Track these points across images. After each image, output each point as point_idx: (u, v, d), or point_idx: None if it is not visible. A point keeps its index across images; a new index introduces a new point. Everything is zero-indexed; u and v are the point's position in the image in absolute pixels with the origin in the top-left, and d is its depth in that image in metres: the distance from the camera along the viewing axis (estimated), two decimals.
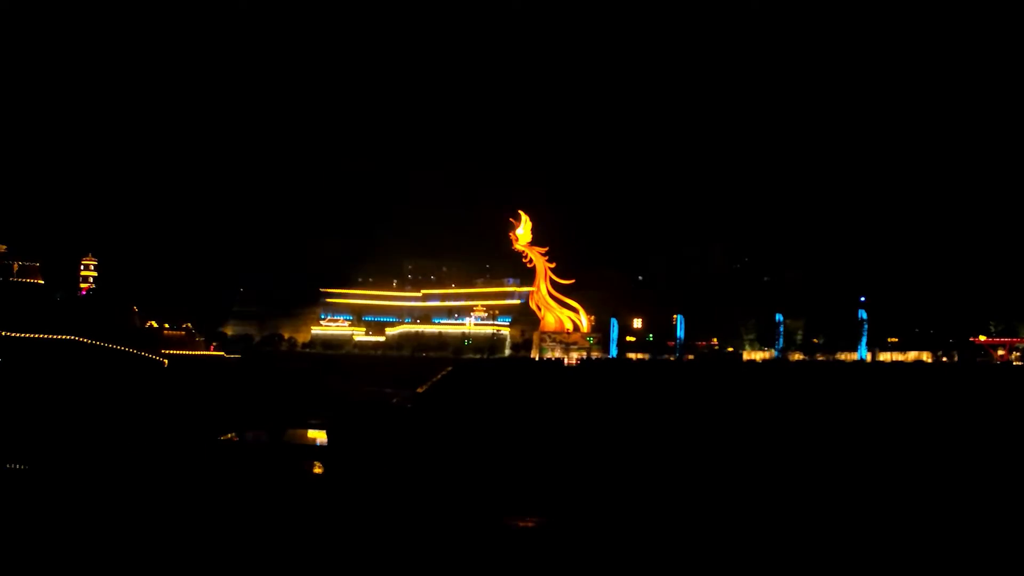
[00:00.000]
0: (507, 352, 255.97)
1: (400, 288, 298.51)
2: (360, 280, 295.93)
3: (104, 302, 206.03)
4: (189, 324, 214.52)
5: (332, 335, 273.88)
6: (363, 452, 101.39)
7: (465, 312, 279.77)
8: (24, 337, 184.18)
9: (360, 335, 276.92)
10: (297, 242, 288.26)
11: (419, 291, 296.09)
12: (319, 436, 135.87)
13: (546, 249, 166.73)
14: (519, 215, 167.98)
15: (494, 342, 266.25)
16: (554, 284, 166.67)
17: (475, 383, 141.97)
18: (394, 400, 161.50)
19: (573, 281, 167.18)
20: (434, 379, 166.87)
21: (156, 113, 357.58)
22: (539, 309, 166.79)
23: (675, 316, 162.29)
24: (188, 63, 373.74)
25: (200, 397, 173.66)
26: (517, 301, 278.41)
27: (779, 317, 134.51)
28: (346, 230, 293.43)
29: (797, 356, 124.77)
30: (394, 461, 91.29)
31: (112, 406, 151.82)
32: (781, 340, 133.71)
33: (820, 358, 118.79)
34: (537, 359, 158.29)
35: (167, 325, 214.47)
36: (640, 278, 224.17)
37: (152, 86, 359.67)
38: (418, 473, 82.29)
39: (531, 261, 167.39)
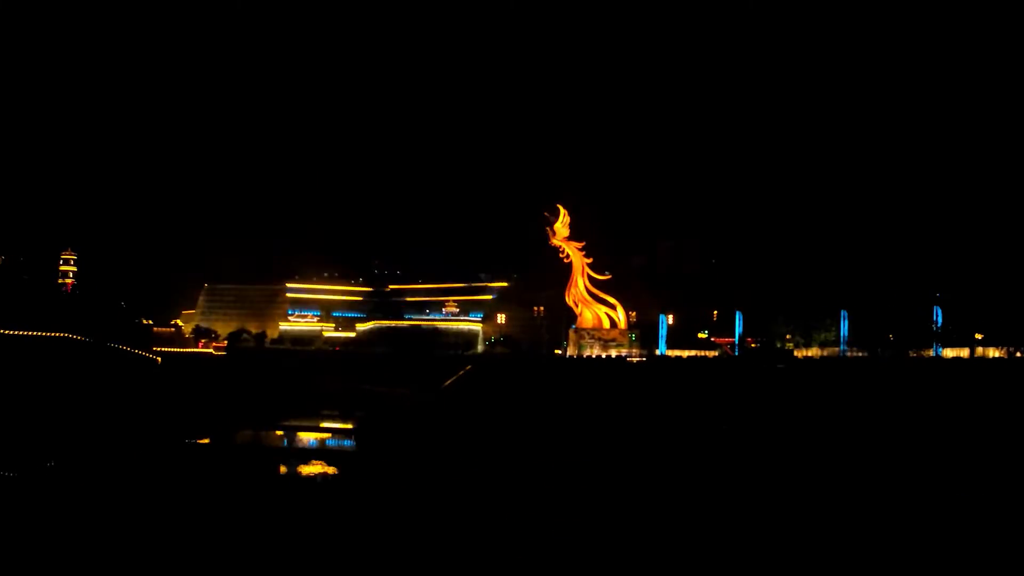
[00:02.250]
0: (480, 348, 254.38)
1: (367, 284, 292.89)
2: (326, 275, 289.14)
3: (93, 298, 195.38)
4: (178, 321, 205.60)
5: (301, 331, 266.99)
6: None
7: (436, 308, 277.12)
8: (16, 335, 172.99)
9: (330, 331, 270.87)
10: (260, 238, 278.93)
11: (387, 286, 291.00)
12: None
13: (583, 244, 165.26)
14: (556, 209, 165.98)
15: (468, 338, 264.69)
16: (591, 279, 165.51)
17: (513, 383, 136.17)
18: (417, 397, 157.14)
19: (609, 276, 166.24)
20: (456, 377, 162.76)
21: (118, 109, 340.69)
22: (576, 305, 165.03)
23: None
24: (160, 60, 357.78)
25: (206, 396, 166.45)
26: (489, 296, 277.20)
27: (844, 314, 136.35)
28: (309, 225, 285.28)
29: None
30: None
31: (117, 407, 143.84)
32: (844, 336, 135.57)
33: (913, 355, 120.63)
34: (575, 356, 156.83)
35: (150, 321, 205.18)
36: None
37: (122, 85, 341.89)
38: None
39: (567, 256, 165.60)
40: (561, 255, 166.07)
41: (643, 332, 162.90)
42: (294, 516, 60.16)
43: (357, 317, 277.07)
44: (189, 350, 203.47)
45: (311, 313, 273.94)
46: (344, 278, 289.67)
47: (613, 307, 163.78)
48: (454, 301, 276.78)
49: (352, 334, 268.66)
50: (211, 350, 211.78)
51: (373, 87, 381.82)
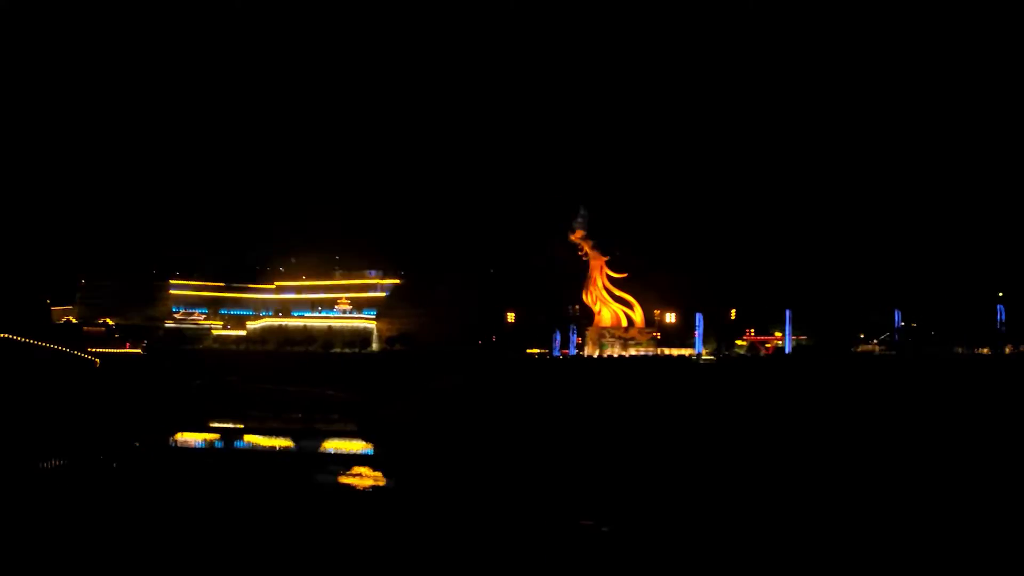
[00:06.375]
0: (375, 346, 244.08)
1: (250, 280, 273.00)
2: (208, 271, 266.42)
3: (18, 297, 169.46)
4: (108, 320, 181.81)
5: (188, 329, 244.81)
6: None
7: (327, 305, 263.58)
8: None
9: (219, 329, 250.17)
10: (139, 234, 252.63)
11: (272, 283, 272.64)
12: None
13: (600, 241, 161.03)
14: (578, 207, 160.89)
15: (363, 335, 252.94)
16: (609, 278, 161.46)
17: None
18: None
19: (626, 275, 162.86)
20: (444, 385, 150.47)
21: None
22: (594, 304, 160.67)
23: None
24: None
25: (145, 398, 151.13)
26: (381, 294, 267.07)
27: (898, 314, 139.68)
28: (191, 221, 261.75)
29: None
30: None
31: (66, 409, 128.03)
32: (897, 336, 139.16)
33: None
34: (596, 356, 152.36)
35: (73, 320, 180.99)
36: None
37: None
38: None
39: (586, 254, 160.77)
40: (580, 253, 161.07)
41: (663, 331, 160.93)
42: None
43: (244, 315, 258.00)
44: (119, 350, 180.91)
45: (197, 311, 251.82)
46: (230, 275, 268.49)
47: (631, 306, 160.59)
48: (346, 298, 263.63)
49: (242, 332, 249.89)
50: (139, 351, 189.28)
51: (257, 79, 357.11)
